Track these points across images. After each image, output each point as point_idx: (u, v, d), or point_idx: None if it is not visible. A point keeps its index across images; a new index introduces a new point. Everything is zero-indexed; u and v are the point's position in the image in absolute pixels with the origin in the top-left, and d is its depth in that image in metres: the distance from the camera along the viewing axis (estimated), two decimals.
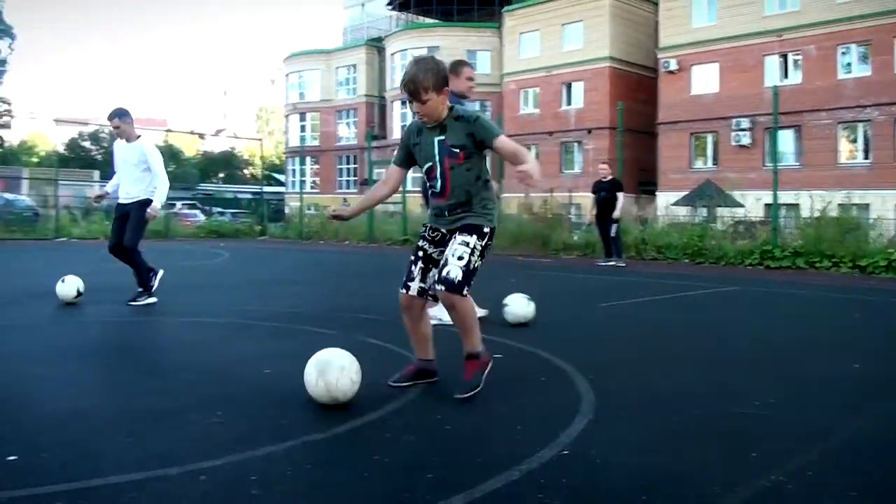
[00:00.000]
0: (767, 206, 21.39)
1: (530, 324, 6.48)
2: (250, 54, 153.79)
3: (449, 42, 46.61)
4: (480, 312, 6.71)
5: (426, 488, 2.66)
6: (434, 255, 4.06)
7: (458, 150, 3.90)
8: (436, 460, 2.99)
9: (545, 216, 20.23)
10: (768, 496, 2.64)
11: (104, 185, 8.34)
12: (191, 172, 66.62)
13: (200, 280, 11.41)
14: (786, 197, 17.86)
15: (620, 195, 14.64)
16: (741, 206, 25.34)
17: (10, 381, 4.39)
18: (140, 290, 7.91)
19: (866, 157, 31.76)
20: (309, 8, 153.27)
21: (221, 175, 76.92)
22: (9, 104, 56.06)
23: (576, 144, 41.51)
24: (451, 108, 3.96)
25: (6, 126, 56.57)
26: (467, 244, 3.88)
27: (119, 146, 8.08)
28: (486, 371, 4.01)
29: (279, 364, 4.74)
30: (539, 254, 18.03)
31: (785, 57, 33.91)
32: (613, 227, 14.72)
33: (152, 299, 7.93)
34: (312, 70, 57.17)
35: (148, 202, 7.94)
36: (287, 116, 60.55)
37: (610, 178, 14.99)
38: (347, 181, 55.13)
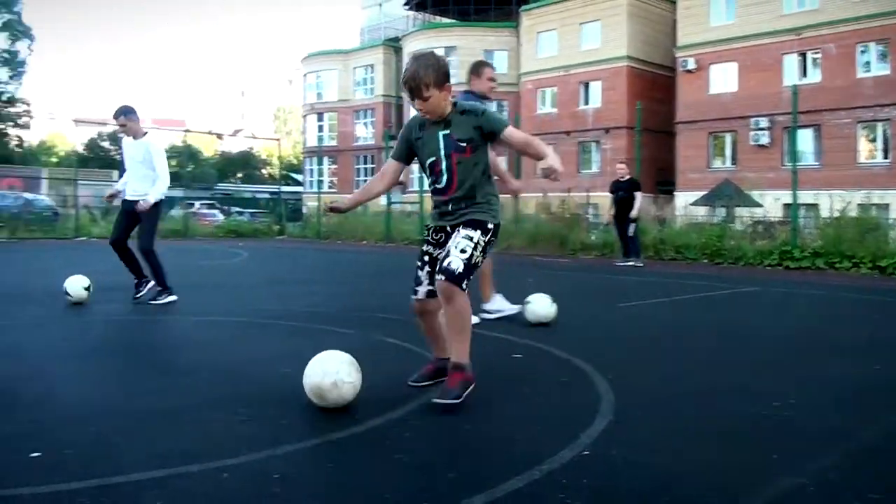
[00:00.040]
0: (786, 205, 21.25)
1: (551, 324, 6.48)
2: (268, 55, 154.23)
3: (466, 42, 46.60)
4: (514, 308, 6.77)
5: (447, 488, 2.66)
6: (440, 258, 3.96)
7: (465, 144, 3.86)
8: (456, 460, 3.00)
9: (563, 216, 20.19)
10: (790, 498, 2.63)
11: (116, 184, 8.37)
12: (209, 172, 66.85)
13: (220, 280, 11.47)
14: (805, 197, 17.82)
15: (638, 195, 14.61)
16: (760, 205, 25.21)
17: (31, 379, 4.43)
18: (158, 289, 7.96)
19: (886, 157, 31.57)
20: (326, 8, 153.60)
21: (240, 175, 77.13)
22: (28, 105, 56.47)
23: (593, 144, 41.43)
24: (454, 104, 3.93)
25: (25, 126, 56.98)
26: (471, 238, 3.83)
27: (126, 144, 8.14)
28: (468, 390, 3.74)
29: (298, 363, 4.75)
30: (557, 254, 18.01)
31: (804, 55, 33.75)
32: (631, 227, 14.70)
33: (173, 297, 7.97)
34: (330, 70, 57.25)
35: (156, 202, 7.98)
36: (305, 116, 60.69)
37: (628, 177, 14.97)
38: (365, 181, 54.98)
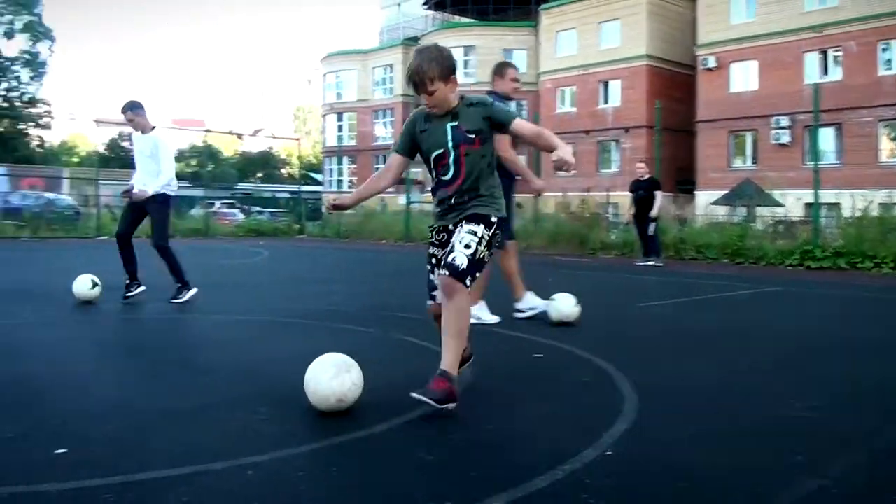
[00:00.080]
0: (808, 205, 21.14)
1: (574, 324, 6.47)
2: (287, 55, 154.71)
3: (485, 41, 46.61)
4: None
5: (470, 487, 2.66)
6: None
7: (473, 136, 3.79)
8: (479, 459, 2.99)
9: (583, 215, 20.17)
10: (813, 499, 2.61)
11: (130, 181, 8.39)
12: (229, 172, 67.17)
13: (240, 279, 11.53)
14: (826, 196, 17.69)
15: (658, 194, 14.59)
16: (781, 205, 25.09)
17: (55, 377, 4.46)
18: (178, 285, 7.99)
19: None
20: (345, 8, 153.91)
21: (260, 174, 77.43)
22: (49, 105, 56.86)
23: (613, 143, 41.37)
24: (461, 97, 3.85)
25: (46, 127, 57.37)
26: (474, 233, 3.74)
27: (135, 138, 8.16)
28: (448, 405, 3.51)
29: None
30: (577, 253, 17.98)
31: (824, 53, 33.56)
32: (651, 226, 14.67)
33: (193, 291, 8.01)
34: (349, 70, 57.39)
35: (164, 197, 7.96)
36: (324, 116, 60.86)
37: (647, 176, 14.96)
38: None
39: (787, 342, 6.07)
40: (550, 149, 3.74)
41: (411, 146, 3.99)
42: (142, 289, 8.04)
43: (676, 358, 5.33)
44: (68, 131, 78.40)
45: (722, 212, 26.65)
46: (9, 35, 52.07)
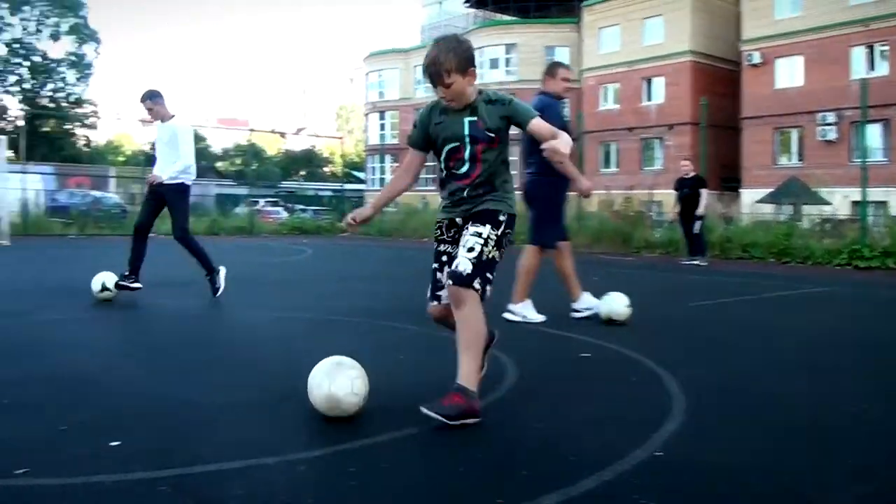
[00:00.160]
0: (855, 203, 20.86)
1: (622, 323, 6.45)
2: (330, 54, 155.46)
3: (526, 39, 46.46)
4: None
5: (520, 486, 2.67)
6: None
7: (493, 135, 3.64)
8: (528, 458, 3.00)
9: (626, 214, 20.06)
10: None
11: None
12: (273, 171, 67.65)
13: (285, 276, 11.63)
14: (874, 194, 17.41)
15: (704, 192, 14.47)
16: (828, 203, 24.76)
17: (108, 371, 4.54)
18: (207, 276, 8.04)
19: None
20: (387, 6, 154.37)
21: (303, 173, 77.85)
22: (95, 106, 57.61)
23: (657, 141, 41.05)
24: (480, 91, 3.70)
25: (93, 127, 58.11)
26: (479, 234, 3.58)
27: (157, 127, 8.15)
28: (466, 420, 3.35)
29: (365, 359, 4.79)
30: (620, 252, 17.89)
31: (871, 48, 33.02)
32: (697, 225, 14.55)
33: (221, 273, 8.03)
34: (391, 69, 57.51)
35: (182, 186, 7.95)
36: (367, 115, 61.06)
37: (692, 174, 14.85)
38: (426, 178, 55.12)
39: (838, 344, 6.00)
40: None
41: (426, 139, 3.82)
42: (138, 286, 7.85)
43: (725, 358, 5.29)
44: (114, 131, 79.44)
45: (768, 210, 26.35)
46: (55, 37, 52.86)
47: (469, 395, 3.41)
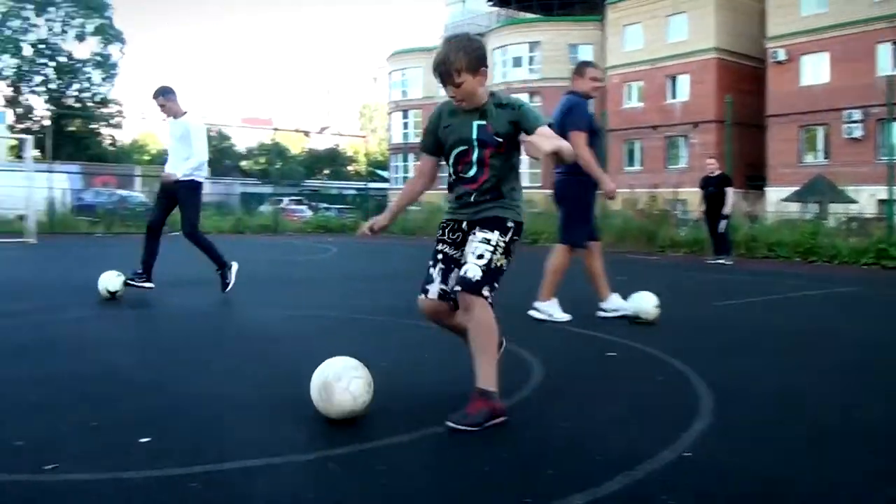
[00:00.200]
0: (881, 201, 20.66)
1: (649, 323, 6.42)
2: (353, 53, 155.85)
3: (550, 37, 46.37)
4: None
5: (547, 485, 2.67)
6: (456, 257, 3.70)
7: (502, 140, 3.56)
8: (555, 457, 2.99)
9: (651, 212, 19.97)
10: None
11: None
12: (297, 169, 67.91)
13: (310, 274, 11.67)
14: None
15: (730, 190, 14.39)
16: (854, 201, 24.55)
17: (136, 369, 4.57)
18: (218, 271, 8.06)
19: None
20: (410, 5, 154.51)
21: (326, 171, 78.08)
22: (120, 105, 58.01)
23: (681, 139, 40.84)
24: (491, 93, 3.63)
25: (118, 126, 58.52)
26: (488, 241, 3.53)
27: (169, 124, 8.14)
28: (493, 422, 3.35)
29: (393, 356, 4.81)
30: (645, 251, 17.81)
31: None
32: (723, 223, 14.45)
33: (233, 267, 8.05)
34: (415, 68, 57.52)
35: (194, 183, 7.96)
36: (390, 114, 61.20)
37: (718, 172, 14.75)
38: (448, 177, 55.25)
39: (867, 344, 5.93)
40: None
41: (436, 143, 3.78)
42: (149, 285, 7.92)
43: (753, 358, 5.25)
44: (139, 130, 79.95)
45: (793, 208, 26.17)
46: (80, 38, 53.24)
47: (491, 396, 3.40)
